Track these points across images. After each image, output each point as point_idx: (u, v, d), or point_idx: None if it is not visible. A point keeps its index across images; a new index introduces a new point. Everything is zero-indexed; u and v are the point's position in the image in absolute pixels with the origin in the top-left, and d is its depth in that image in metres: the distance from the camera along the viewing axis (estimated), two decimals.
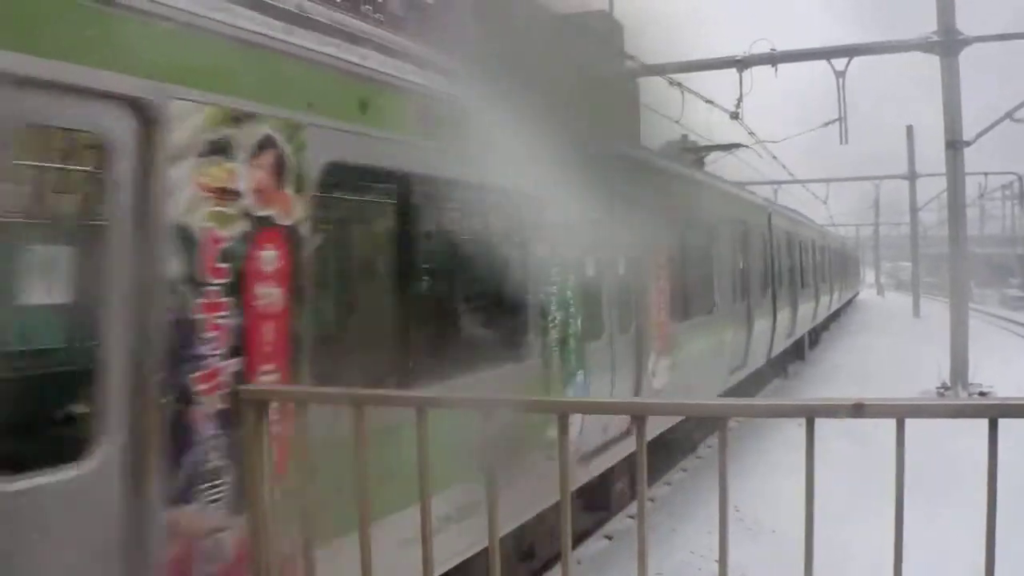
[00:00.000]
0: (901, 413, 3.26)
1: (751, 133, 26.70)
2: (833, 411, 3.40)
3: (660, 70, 20.62)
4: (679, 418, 11.80)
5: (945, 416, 3.35)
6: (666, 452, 14.89)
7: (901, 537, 3.34)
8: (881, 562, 3.55)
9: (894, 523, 3.32)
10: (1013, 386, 17.70)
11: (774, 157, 33.04)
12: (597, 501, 11.57)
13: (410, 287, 6.68)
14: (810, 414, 3.40)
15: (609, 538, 11.60)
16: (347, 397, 4.51)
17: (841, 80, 22.59)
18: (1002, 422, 3.17)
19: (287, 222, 5.20)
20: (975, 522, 3.34)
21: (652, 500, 13.29)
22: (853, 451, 12.16)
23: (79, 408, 4.59)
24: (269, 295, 5.02)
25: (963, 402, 9.64)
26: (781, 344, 23.49)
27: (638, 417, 3.68)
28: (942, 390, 21.34)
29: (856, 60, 22.26)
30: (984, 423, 3.18)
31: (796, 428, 3.49)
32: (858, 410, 3.20)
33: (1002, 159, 50.57)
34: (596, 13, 15.03)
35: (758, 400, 8.24)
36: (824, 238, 38.40)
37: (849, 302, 57.29)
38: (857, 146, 27.32)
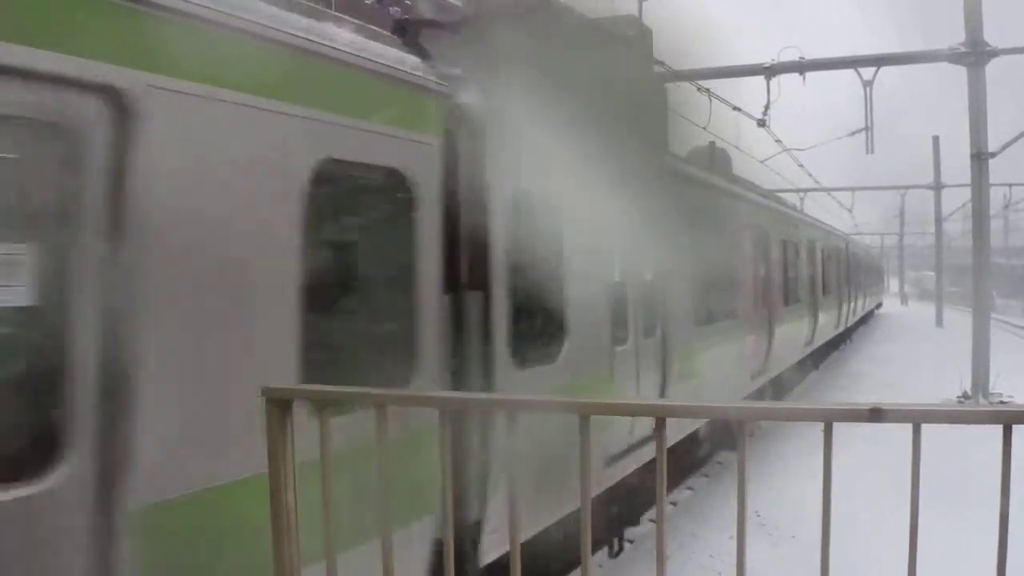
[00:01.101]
0: (917, 418, 3.29)
1: (778, 140, 26.71)
2: (851, 416, 3.43)
3: (688, 76, 20.68)
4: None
5: (961, 422, 3.38)
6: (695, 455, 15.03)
7: (915, 541, 3.36)
8: (898, 567, 3.58)
9: (909, 527, 3.35)
10: None
11: (800, 165, 33.02)
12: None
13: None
14: (828, 419, 3.43)
15: (630, 541, 11.63)
16: (370, 397, 4.56)
17: (868, 89, 22.58)
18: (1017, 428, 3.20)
19: None
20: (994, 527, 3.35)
21: (674, 504, 13.32)
22: (873, 456, 12.16)
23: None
24: None
25: (978, 408, 9.65)
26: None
27: (659, 419, 3.68)
28: (962, 399, 21.30)
29: (884, 70, 22.24)
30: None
31: (817, 433, 3.51)
32: (875, 415, 3.23)
33: None
34: (626, 18, 15.04)
35: (777, 404, 8.22)
36: (800, 231, 25.01)
37: (864, 319, 50.86)
38: (883, 155, 27.27)
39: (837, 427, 3.41)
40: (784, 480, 12.87)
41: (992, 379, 21.66)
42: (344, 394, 4.72)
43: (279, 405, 4.18)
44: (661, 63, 17.21)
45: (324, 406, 4.19)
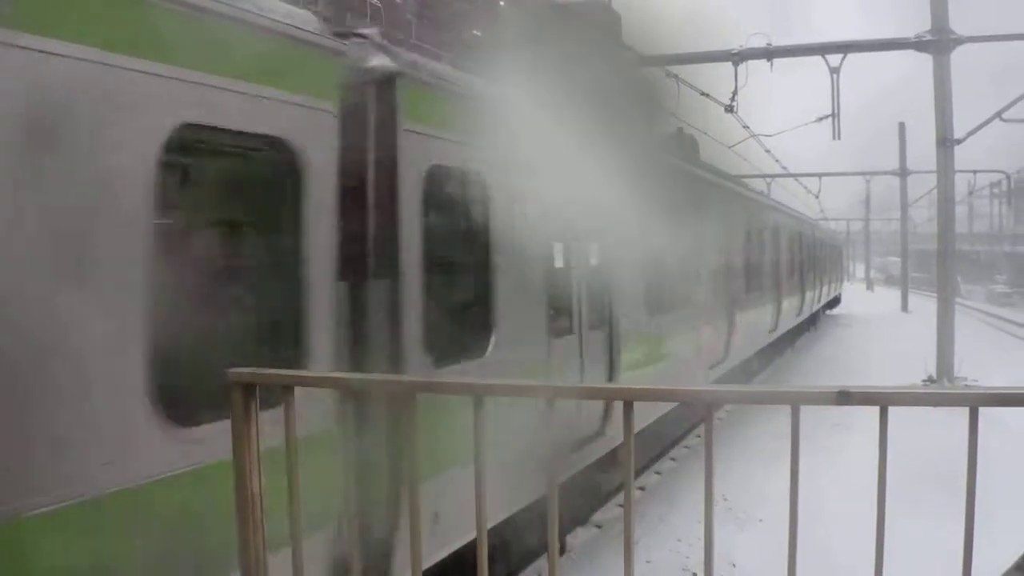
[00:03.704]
0: (884, 401, 3.28)
1: (745, 126, 26.79)
2: (818, 399, 3.42)
3: (656, 61, 20.72)
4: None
5: (928, 404, 3.38)
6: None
7: (883, 524, 3.36)
8: (865, 551, 3.58)
9: (876, 509, 3.35)
10: (997, 380, 17.81)
11: (767, 151, 33.13)
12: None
13: None
14: (795, 401, 3.42)
15: (599, 526, 11.65)
16: (336, 382, 4.52)
17: (836, 76, 22.66)
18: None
19: None
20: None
21: (642, 489, 13.35)
22: (841, 442, 12.24)
23: None
24: None
25: (945, 391, 9.70)
26: None
27: (626, 403, 3.65)
28: (927, 383, 21.47)
29: (851, 57, 22.32)
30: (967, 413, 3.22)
31: (784, 418, 3.50)
32: (843, 398, 3.23)
33: (991, 157, 50.58)
34: (594, 3, 15.02)
35: (745, 387, 8.24)
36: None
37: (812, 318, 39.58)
38: (850, 142, 27.44)
39: (804, 411, 3.40)
40: (752, 464, 12.91)
41: (957, 363, 21.86)
42: (310, 378, 4.68)
43: (243, 389, 4.12)
44: (630, 48, 17.22)
45: (288, 389, 4.14)
